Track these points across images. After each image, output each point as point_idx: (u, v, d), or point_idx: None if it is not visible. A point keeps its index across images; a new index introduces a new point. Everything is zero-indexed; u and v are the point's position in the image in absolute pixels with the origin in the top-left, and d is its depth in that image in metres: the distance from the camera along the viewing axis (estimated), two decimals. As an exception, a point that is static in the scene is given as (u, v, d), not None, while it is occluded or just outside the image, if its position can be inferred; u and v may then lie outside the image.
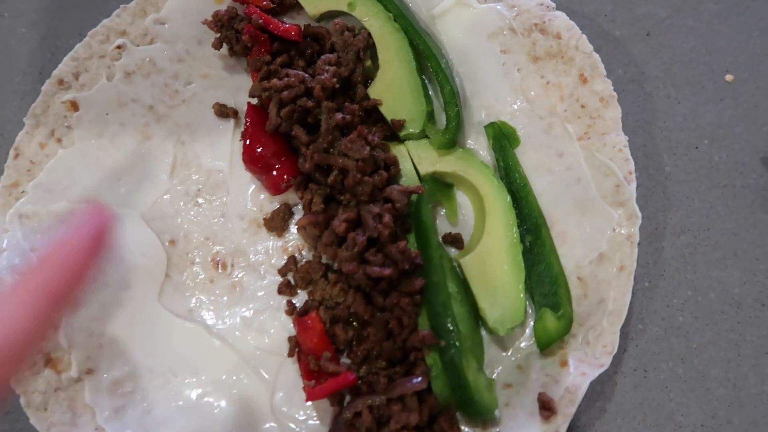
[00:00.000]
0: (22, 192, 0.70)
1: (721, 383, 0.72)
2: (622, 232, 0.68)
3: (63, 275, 0.40)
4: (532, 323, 0.68)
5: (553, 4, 0.74)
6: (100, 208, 0.43)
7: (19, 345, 0.37)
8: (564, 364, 0.64)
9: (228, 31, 0.75)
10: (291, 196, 0.75)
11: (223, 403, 0.66)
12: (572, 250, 0.69)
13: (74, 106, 0.73)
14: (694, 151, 0.82)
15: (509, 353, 0.68)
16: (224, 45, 0.76)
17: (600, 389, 0.72)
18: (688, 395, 0.72)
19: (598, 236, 0.68)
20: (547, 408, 0.62)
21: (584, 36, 0.73)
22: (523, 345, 0.68)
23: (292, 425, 0.65)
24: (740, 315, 0.74)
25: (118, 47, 0.75)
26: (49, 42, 0.88)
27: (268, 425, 0.65)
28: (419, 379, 0.62)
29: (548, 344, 0.65)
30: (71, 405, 0.63)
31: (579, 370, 0.63)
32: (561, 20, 0.73)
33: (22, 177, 0.70)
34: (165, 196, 0.73)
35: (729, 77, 0.85)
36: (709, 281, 0.76)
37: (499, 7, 0.75)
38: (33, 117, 0.72)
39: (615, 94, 0.71)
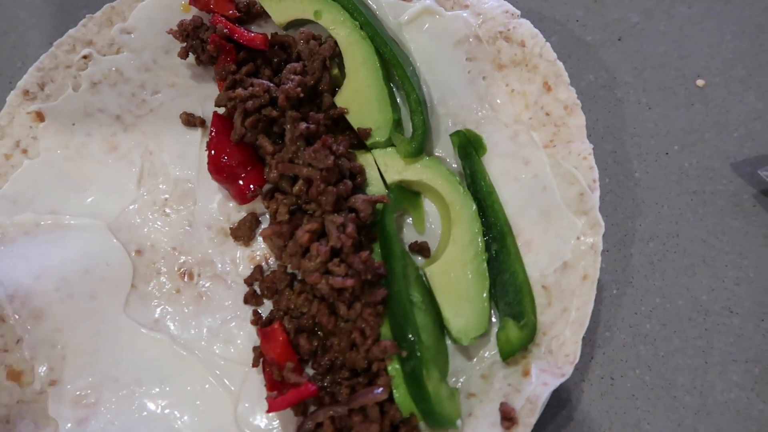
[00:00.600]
0: (-13, 203, 0.70)
1: (688, 391, 0.72)
2: (587, 240, 0.68)
3: None
4: (496, 333, 0.68)
5: (518, 12, 0.74)
6: None
7: None
8: (526, 373, 0.64)
9: (194, 40, 0.75)
10: (258, 205, 0.75)
11: (186, 415, 0.66)
12: (537, 259, 0.69)
13: (40, 116, 0.73)
14: (664, 157, 0.82)
15: (474, 362, 0.68)
16: (191, 54, 0.76)
17: (566, 397, 0.72)
18: (655, 403, 0.72)
19: (563, 245, 0.68)
20: (507, 418, 0.62)
21: (548, 44, 0.72)
22: (487, 354, 0.68)
23: (255, 435, 0.65)
24: (708, 322, 0.74)
25: (85, 57, 0.75)
26: (19, 51, 0.88)
27: (228, 436, 0.66)
28: (380, 389, 0.62)
29: (511, 354, 0.65)
30: (34, 417, 0.64)
31: (541, 379, 0.63)
32: (525, 28, 0.73)
33: (-13, 189, 0.70)
34: (132, 206, 0.73)
35: (700, 82, 0.85)
36: (678, 288, 0.76)
37: (465, 14, 0.75)
38: (-3, 128, 0.72)
39: (579, 102, 0.71)
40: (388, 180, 0.73)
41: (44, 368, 0.65)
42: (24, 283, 0.66)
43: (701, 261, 0.77)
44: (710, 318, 0.75)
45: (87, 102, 0.75)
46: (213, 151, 0.72)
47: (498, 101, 0.73)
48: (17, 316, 0.65)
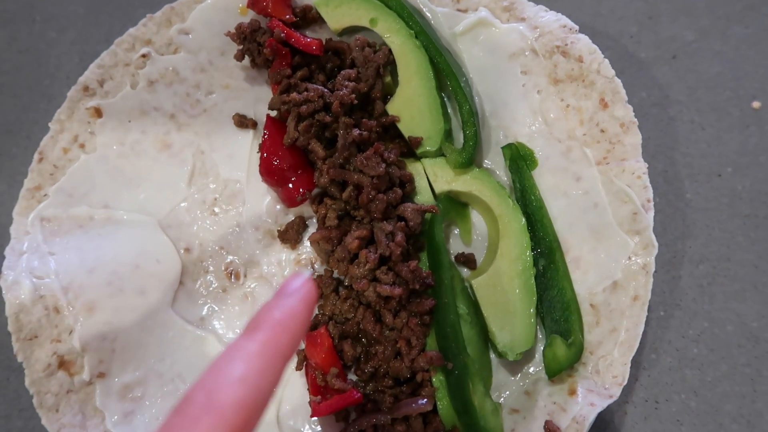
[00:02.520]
0: (45, 195, 0.71)
1: (735, 419, 0.70)
2: (638, 261, 0.67)
3: (293, 339, 0.44)
4: (542, 348, 0.67)
5: (576, 27, 0.74)
6: (311, 280, 0.48)
7: (263, 399, 0.40)
8: (573, 392, 0.64)
9: (250, 43, 0.76)
10: (306, 209, 0.75)
11: (229, 413, 0.67)
12: (586, 277, 0.69)
13: (98, 112, 0.75)
14: (717, 179, 0.81)
15: (517, 378, 0.67)
16: (246, 57, 0.77)
17: (609, 418, 0.71)
18: (700, 429, 0.70)
19: (613, 264, 0.68)
20: (553, 437, 0.62)
21: (606, 60, 0.72)
22: (531, 370, 0.67)
23: (298, 439, 0.66)
24: (757, 349, 0.73)
25: (143, 56, 0.76)
26: (77, 47, 0.90)
27: (268, 437, 0.66)
28: (425, 400, 0.62)
29: (557, 372, 0.65)
30: (82, 408, 0.65)
31: (588, 399, 0.62)
32: (583, 43, 0.72)
33: (45, 181, 0.72)
34: (182, 204, 0.74)
35: (756, 104, 0.84)
36: (727, 313, 0.74)
37: (521, 27, 0.75)
38: (58, 122, 0.73)
39: (636, 120, 0.70)
40: (437, 190, 0.73)
41: (94, 360, 0.66)
42: (78, 275, 0.67)
43: (752, 286, 0.75)
44: (760, 345, 0.73)
45: (143, 100, 0.76)
46: (265, 154, 0.72)
47: (552, 116, 0.73)
48: (71, 308, 0.66)
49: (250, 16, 0.79)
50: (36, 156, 0.72)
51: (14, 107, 0.87)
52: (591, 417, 0.61)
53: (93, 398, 0.65)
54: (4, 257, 0.69)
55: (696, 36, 0.88)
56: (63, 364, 0.65)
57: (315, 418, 0.66)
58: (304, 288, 0.47)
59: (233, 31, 0.76)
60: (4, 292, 0.65)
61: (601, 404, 0.62)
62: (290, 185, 0.73)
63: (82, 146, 0.74)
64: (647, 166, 0.70)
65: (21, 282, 0.65)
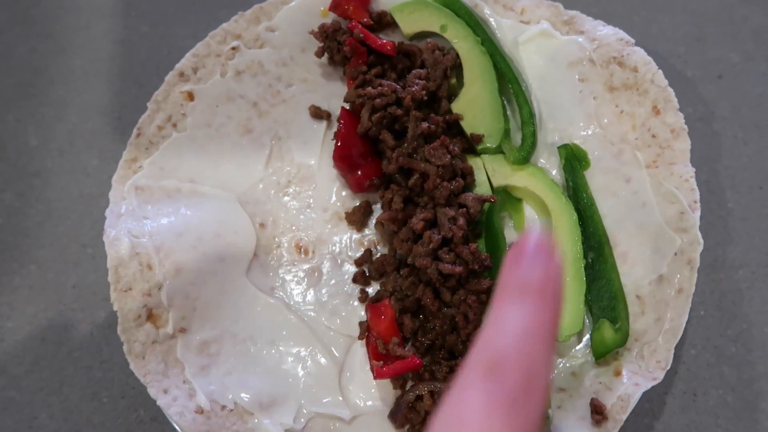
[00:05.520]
0: (140, 167, 0.79)
1: (770, 415, 0.74)
2: (684, 257, 0.71)
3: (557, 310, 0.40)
4: (588, 335, 0.72)
5: (632, 40, 0.80)
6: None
7: (548, 377, 0.38)
8: (618, 374, 0.68)
9: (331, 41, 0.83)
10: (371, 196, 0.81)
11: (294, 375, 0.72)
12: (632, 270, 0.73)
13: (190, 96, 0.82)
14: (758, 191, 0.85)
15: (565, 360, 0.72)
16: (326, 54, 0.84)
17: (648, 407, 0.75)
18: (736, 423, 0.74)
19: (660, 259, 0.72)
20: (599, 413, 0.66)
21: (660, 71, 0.78)
22: (579, 353, 0.72)
23: (357, 401, 0.71)
24: (794, 351, 0.76)
25: (233, 48, 0.84)
26: (166, 41, 0.98)
27: (334, 398, 0.71)
28: (480, 370, 0.67)
29: (604, 354, 0.69)
30: (165, 358, 0.71)
31: (632, 380, 0.67)
32: (639, 55, 0.78)
33: (141, 154, 0.79)
34: (259, 184, 0.81)
35: (797, 124, 0.88)
36: (764, 316, 0.78)
37: (580, 39, 0.81)
38: (155, 102, 0.81)
39: (686, 127, 0.75)
40: (495, 184, 0.79)
41: (177, 316, 0.72)
42: (168, 238, 0.74)
43: (790, 293, 0.79)
44: (796, 348, 0.76)
45: (230, 88, 0.84)
46: (339, 142, 0.79)
47: (606, 120, 0.78)
48: (162, 266, 0.72)
49: (330, 18, 0.86)
50: (134, 131, 0.80)
51: (107, 91, 0.95)
52: (636, 396, 0.65)
53: (174, 350, 0.71)
54: (96, 221, 0.77)
55: (741, 58, 0.93)
56: (151, 316, 0.72)
57: (374, 383, 0.71)
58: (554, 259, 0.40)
59: (316, 30, 0.84)
60: (106, 246, 0.72)
61: (646, 385, 0.66)
62: (359, 172, 0.80)
63: (174, 125, 0.81)
64: (695, 170, 0.75)
65: (121, 239, 0.72)
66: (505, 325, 0.38)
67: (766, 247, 0.82)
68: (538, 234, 0.42)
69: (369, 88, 0.79)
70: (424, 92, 0.78)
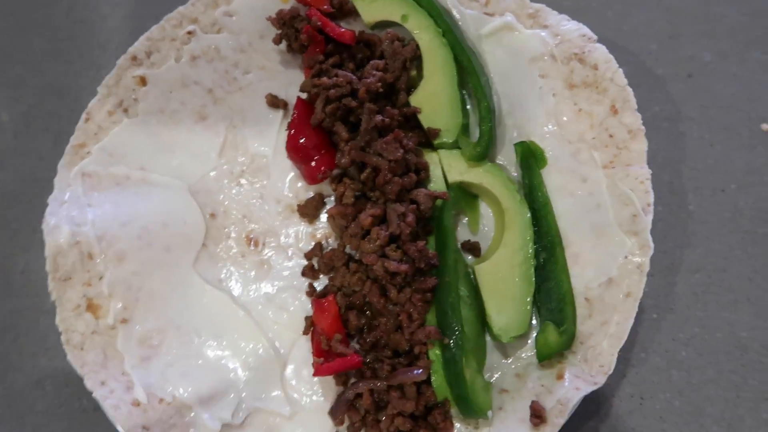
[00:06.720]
0: (87, 152, 0.77)
1: (717, 421, 0.73)
2: (634, 260, 0.70)
3: None
4: (535, 335, 0.71)
5: (595, 37, 0.78)
6: None
7: None
8: (560, 377, 0.67)
9: (289, 28, 0.81)
10: (325, 188, 0.80)
11: (237, 369, 0.72)
12: (583, 272, 0.72)
13: (143, 81, 0.81)
14: (720, 194, 0.84)
15: (509, 361, 0.71)
16: (284, 41, 0.82)
17: (595, 409, 0.74)
18: (682, 428, 0.73)
19: (610, 261, 0.71)
20: (537, 416, 0.65)
21: (620, 70, 0.76)
22: (523, 355, 0.71)
23: (297, 396, 0.70)
24: (745, 358, 0.75)
25: (189, 33, 0.82)
26: (128, 22, 0.96)
27: (275, 393, 0.70)
28: (420, 370, 0.66)
29: (547, 356, 0.68)
30: (104, 348, 0.70)
31: (574, 384, 0.66)
32: (600, 53, 0.76)
33: (90, 139, 0.78)
34: (212, 173, 0.80)
35: (765, 126, 0.87)
36: (718, 321, 0.77)
37: (543, 34, 0.79)
38: (106, 87, 0.80)
39: (643, 128, 0.74)
40: (450, 180, 0.77)
41: (119, 306, 0.71)
42: (112, 226, 0.73)
43: (745, 299, 0.78)
44: (747, 355, 0.76)
45: (185, 74, 0.82)
46: (293, 131, 0.78)
47: (564, 118, 0.77)
48: (103, 255, 0.71)
49: (290, 4, 0.84)
50: (84, 116, 0.78)
51: (66, 73, 0.93)
52: (575, 400, 0.65)
53: (115, 341, 0.70)
54: (47, 205, 0.75)
55: (714, 57, 0.91)
56: (91, 306, 0.71)
57: (316, 379, 0.71)
58: None
59: (274, 16, 0.82)
60: (45, 234, 0.71)
61: (586, 389, 0.65)
62: (313, 163, 0.78)
63: (125, 111, 0.80)
64: (651, 173, 0.73)
65: (61, 227, 0.71)
66: None
67: (725, 252, 0.81)
68: None
69: (324, 78, 0.77)
70: (380, 84, 0.77)
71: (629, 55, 0.92)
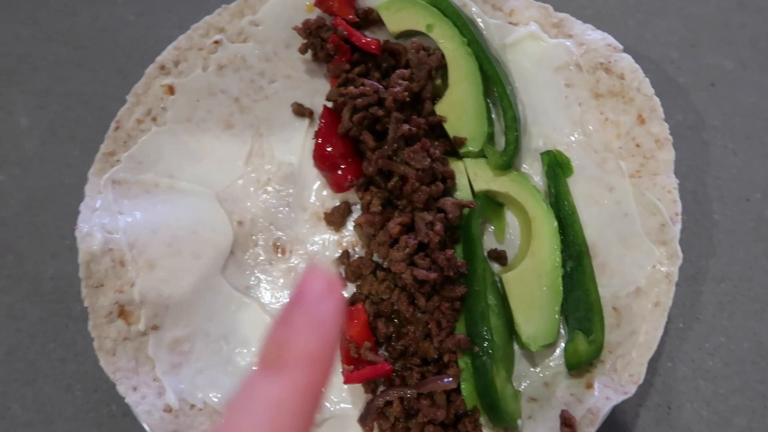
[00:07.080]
0: (117, 160, 0.78)
1: (743, 431, 0.73)
2: (662, 269, 0.71)
3: (327, 373, 0.38)
4: (563, 344, 0.71)
5: (621, 47, 0.78)
6: (336, 282, 0.40)
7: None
8: (590, 386, 0.68)
9: (315, 38, 0.82)
10: (351, 196, 0.81)
11: (266, 375, 0.72)
12: (611, 281, 0.72)
13: (171, 90, 0.81)
14: (745, 203, 0.84)
15: (538, 369, 0.71)
16: (309, 50, 0.83)
17: (622, 419, 0.74)
18: (709, 438, 0.73)
19: (638, 271, 0.71)
20: (568, 425, 0.65)
21: (647, 79, 0.76)
22: (552, 364, 0.71)
23: (327, 405, 0.71)
24: (771, 368, 0.76)
25: (216, 42, 0.83)
26: (152, 31, 0.97)
27: (304, 401, 0.71)
28: (450, 379, 0.67)
29: (576, 365, 0.69)
30: (135, 355, 0.70)
31: (604, 393, 0.66)
32: (626, 62, 0.76)
33: (119, 147, 0.78)
34: (239, 181, 0.80)
35: (789, 135, 0.87)
36: (744, 331, 0.78)
37: (568, 43, 0.79)
38: (135, 95, 0.80)
39: (670, 137, 0.74)
40: (476, 188, 0.78)
41: (149, 313, 0.72)
42: (143, 234, 0.73)
43: (771, 308, 0.78)
44: (774, 364, 0.76)
45: (212, 83, 0.82)
46: (320, 140, 0.78)
47: (590, 128, 0.77)
48: (135, 263, 0.72)
49: (315, 13, 0.85)
50: (113, 124, 0.79)
51: (91, 81, 0.94)
52: (605, 410, 0.65)
53: (146, 347, 0.71)
54: (76, 212, 0.76)
55: (736, 66, 0.92)
56: (122, 313, 0.71)
57: (345, 387, 0.71)
58: (333, 298, 0.38)
59: (300, 25, 0.82)
60: (78, 241, 0.72)
61: (616, 399, 0.65)
62: (339, 172, 0.79)
63: (154, 119, 0.80)
64: (678, 182, 0.74)
65: (93, 234, 0.72)
66: (253, 400, 0.35)
67: (750, 261, 0.81)
68: (319, 277, 0.39)
69: (351, 88, 0.78)
70: (406, 93, 0.77)
71: (651, 64, 0.92)
